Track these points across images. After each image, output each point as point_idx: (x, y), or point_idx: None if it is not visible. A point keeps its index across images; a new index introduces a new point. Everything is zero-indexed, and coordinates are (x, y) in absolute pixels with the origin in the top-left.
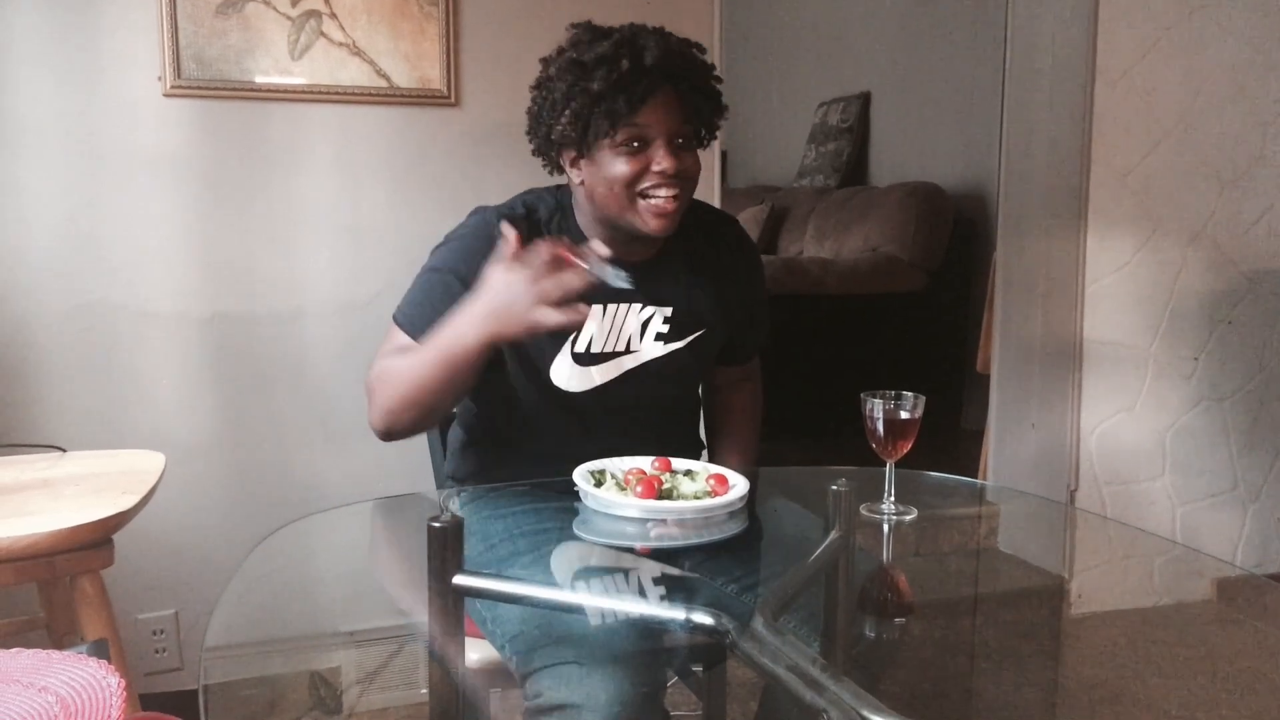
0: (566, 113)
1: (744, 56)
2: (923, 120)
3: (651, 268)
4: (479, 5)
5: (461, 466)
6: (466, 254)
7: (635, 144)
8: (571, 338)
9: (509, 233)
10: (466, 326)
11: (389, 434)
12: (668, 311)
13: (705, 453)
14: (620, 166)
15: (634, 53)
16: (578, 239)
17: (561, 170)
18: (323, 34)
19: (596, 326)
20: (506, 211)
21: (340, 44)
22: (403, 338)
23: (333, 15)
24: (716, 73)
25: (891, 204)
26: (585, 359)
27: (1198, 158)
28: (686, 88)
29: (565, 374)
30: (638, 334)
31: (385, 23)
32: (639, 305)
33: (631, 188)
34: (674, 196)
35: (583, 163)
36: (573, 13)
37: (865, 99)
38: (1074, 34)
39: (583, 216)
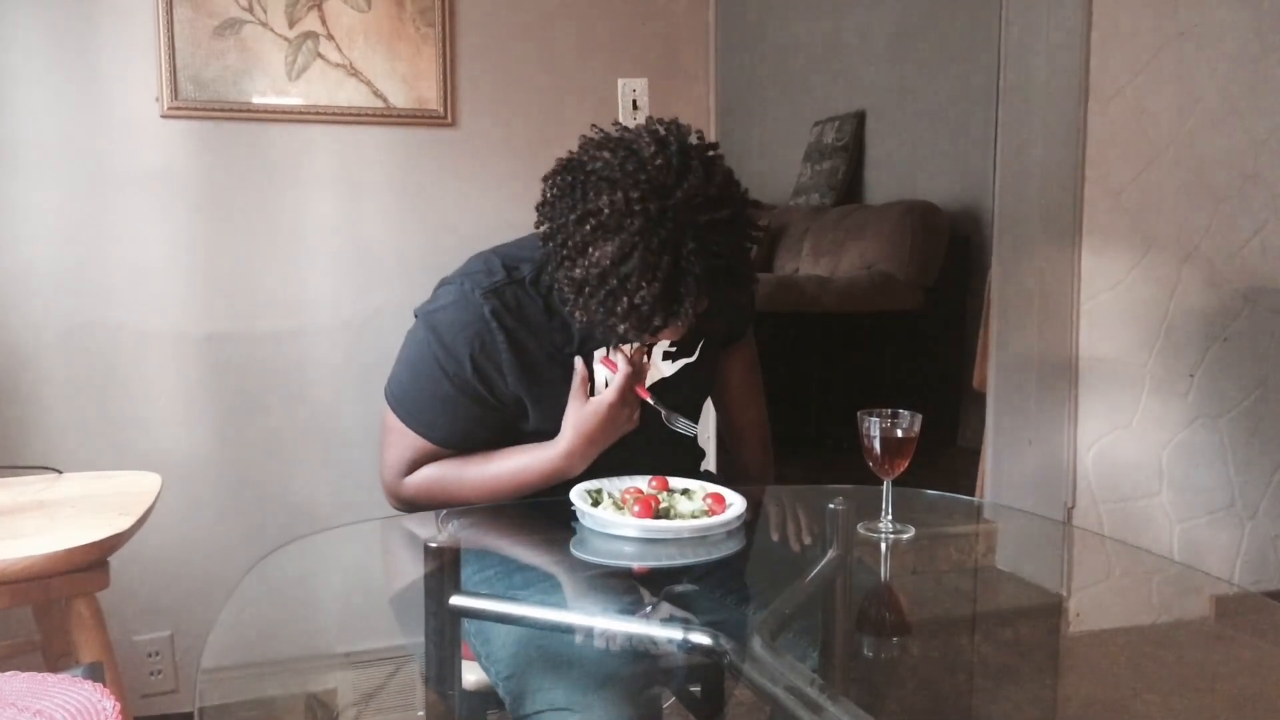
0: (583, 298)
1: (740, 75)
2: (918, 139)
3: None
4: (476, 26)
5: None
6: (451, 351)
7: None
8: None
9: (580, 369)
10: (575, 460)
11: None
12: None
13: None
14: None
15: (673, 264)
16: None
17: None
18: (320, 55)
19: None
20: (488, 286)
21: (337, 65)
22: (421, 443)
23: (330, 36)
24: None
25: (887, 222)
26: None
27: (1191, 176)
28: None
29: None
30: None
31: (382, 44)
32: None
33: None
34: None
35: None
36: (569, 32)
37: (860, 117)
38: (1067, 54)
39: None
